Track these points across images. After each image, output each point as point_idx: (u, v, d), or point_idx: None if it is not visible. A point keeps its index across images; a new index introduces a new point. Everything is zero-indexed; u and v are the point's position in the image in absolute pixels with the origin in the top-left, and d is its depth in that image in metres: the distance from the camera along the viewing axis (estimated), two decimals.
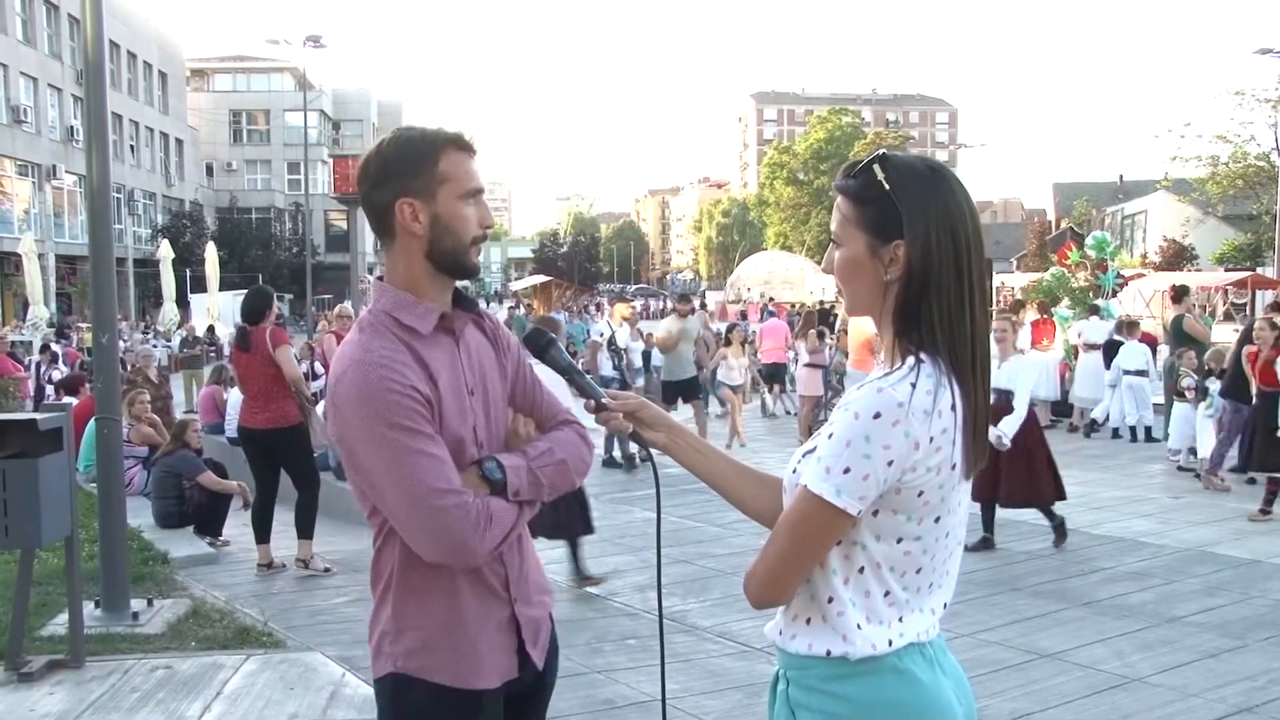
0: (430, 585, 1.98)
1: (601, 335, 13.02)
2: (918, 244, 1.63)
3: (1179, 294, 12.59)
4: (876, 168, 1.67)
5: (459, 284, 2.09)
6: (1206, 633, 5.66)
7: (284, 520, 7.34)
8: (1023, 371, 7.47)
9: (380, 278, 2.08)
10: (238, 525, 8.06)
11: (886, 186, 1.65)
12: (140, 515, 8.24)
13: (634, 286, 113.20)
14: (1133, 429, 12.92)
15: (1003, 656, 5.34)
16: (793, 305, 35.73)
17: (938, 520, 1.67)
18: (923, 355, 1.64)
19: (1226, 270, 41.30)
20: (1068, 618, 6.00)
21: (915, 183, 1.65)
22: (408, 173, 1.97)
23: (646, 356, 15.87)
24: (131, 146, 45.83)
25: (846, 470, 1.57)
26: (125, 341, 24.77)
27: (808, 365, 14.08)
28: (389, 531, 1.98)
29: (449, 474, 1.88)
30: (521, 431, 2.10)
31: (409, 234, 1.98)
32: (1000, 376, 7.22)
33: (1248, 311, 34.19)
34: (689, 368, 12.35)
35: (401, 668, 2.00)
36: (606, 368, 12.71)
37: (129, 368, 12.72)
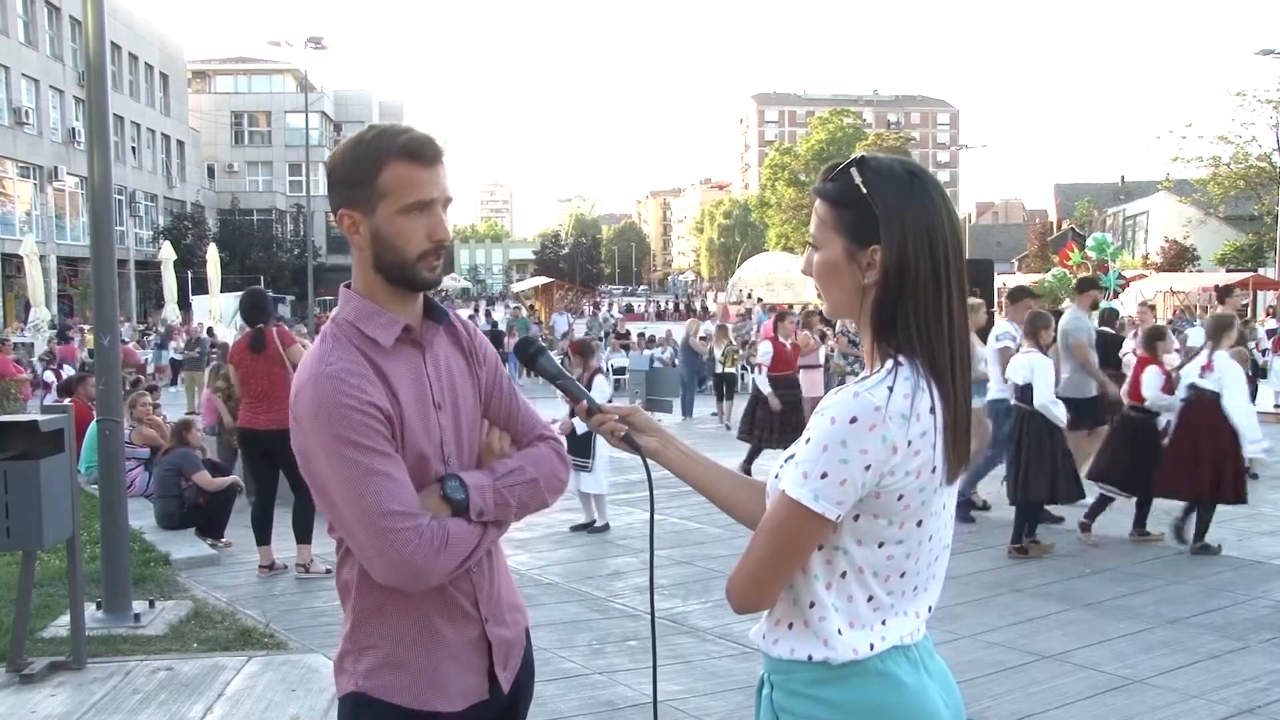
0: (393, 603, 1.90)
1: None
2: (894, 248, 1.62)
3: (1223, 294, 12.18)
4: (854, 171, 1.65)
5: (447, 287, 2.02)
6: (1208, 634, 5.66)
7: (285, 522, 7.34)
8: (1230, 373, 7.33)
9: (348, 285, 1.99)
10: (239, 527, 8.06)
11: (864, 190, 1.64)
12: (142, 517, 8.26)
13: (639, 287, 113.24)
14: None
15: (1004, 658, 5.34)
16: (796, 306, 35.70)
17: (920, 524, 1.66)
18: (901, 358, 1.63)
19: (1228, 271, 41.27)
20: (1069, 619, 6.00)
21: (892, 187, 1.64)
22: (349, 183, 1.89)
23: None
24: (133, 148, 45.83)
25: (824, 475, 1.57)
26: (209, 339, 24.71)
27: (805, 366, 14.00)
28: (349, 547, 1.92)
29: (404, 495, 1.81)
30: (496, 446, 2.03)
31: (355, 245, 1.92)
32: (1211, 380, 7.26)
33: (1249, 313, 34.20)
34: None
35: (362, 687, 1.93)
36: None
37: (209, 362, 12.65)
